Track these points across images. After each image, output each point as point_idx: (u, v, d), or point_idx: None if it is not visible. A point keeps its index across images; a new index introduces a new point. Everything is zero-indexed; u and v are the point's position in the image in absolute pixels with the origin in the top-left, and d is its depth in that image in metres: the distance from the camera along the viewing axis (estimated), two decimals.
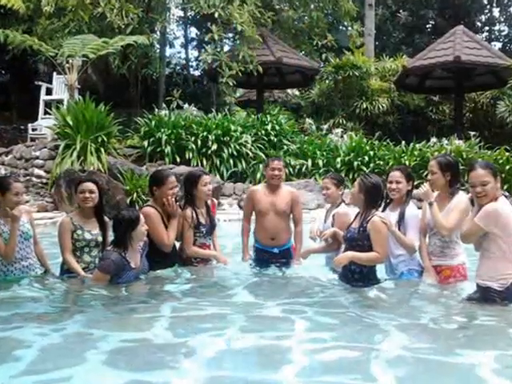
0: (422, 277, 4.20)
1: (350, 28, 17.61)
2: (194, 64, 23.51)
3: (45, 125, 11.62)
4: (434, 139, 12.06)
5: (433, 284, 4.11)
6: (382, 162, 11.13)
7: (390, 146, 11.86)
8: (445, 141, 11.82)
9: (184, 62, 22.80)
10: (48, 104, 12.48)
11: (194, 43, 24.35)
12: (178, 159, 10.68)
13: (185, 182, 4.90)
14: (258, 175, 10.71)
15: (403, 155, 11.26)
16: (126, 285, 4.10)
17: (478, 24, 27.01)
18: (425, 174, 9.06)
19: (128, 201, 9.00)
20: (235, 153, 10.97)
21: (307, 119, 14.67)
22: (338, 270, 4.31)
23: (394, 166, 9.78)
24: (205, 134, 11.04)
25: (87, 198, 4.37)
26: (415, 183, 4.74)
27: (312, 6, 16.35)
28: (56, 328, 3.22)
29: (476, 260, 3.78)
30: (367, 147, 11.53)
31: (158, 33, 16.02)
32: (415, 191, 4.48)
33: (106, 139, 10.10)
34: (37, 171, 10.06)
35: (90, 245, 4.37)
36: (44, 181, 9.94)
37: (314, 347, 2.93)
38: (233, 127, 11.38)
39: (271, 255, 4.97)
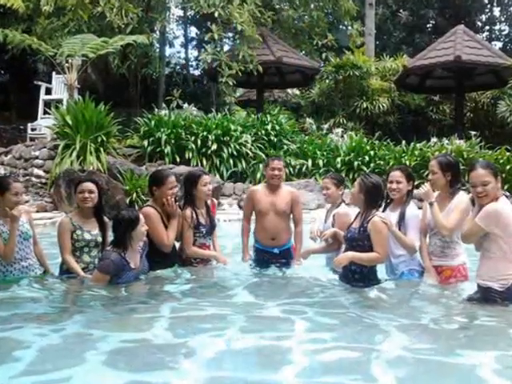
0: (423, 277, 4.19)
1: (350, 27, 17.61)
2: (194, 64, 23.54)
3: (44, 124, 11.62)
4: (434, 139, 12.05)
5: (433, 284, 4.10)
6: (382, 162, 11.12)
7: (390, 145, 11.85)
8: (445, 140, 11.81)
9: (184, 61, 22.82)
10: (47, 104, 12.47)
11: (194, 43, 24.38)
12: (178, 159, 10.68)
13: (185, 182, 4.88)
14: (258, 175, 10.71)
15: (404, 155, 11.25)
16: (125, 285, 4.09)
17: (479, 23, 27.01)
18: (425, 173, 9.06)
19: (127, 201, 8.99)
20: (235, 153, 10.96)
21: (307, 119, 14.68)
22: (339, 270, 4.30)
23: (394, 165, 9.77)
24: (205, 133, 11.03)
25: (87, 198, 4.36)
26: (416, 183, 4.74)
27: (312, 6, 16.35)
28: (55, 328, 3.21)
29: (477, 260, 3.77)
30: (367, 147, 11.53)
31: (157, 32, 16.04)
32: (416, 191, 4.48)
33: (105, 139, 10.09)
34: (36, 171, 10.05)
35: (90, 245, 4.36)
36: (43, 181, 9.93)
37: (314, 348, 2.92)
38: (233, 127, 11.37)
39: (271, 255, 4.96)
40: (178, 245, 4.79)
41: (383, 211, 4.30)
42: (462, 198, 4.04)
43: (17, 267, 4.25)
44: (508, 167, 10.62)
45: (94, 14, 12.93)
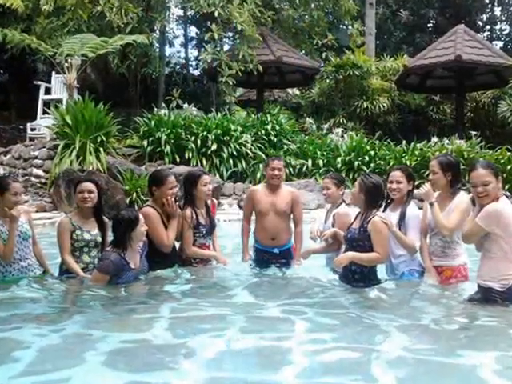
0: (423, 277, 4.18)
1: (350, 27, 17.61)
2: (194, 63, 23.51)
3: (44, 124, 11.60)
4: (434, 139, 12.04)
5: (434, 284, 4.09)
6: (382, 162, 11.11)
7: (390, 145, 11.85)
8: (446, 140, 11.80)
9: (184, 61, 22.80)
10: (47, 103, 12.46)
11: (194, 42, 24.35)
12: (178, 159, 10.67)
13: (184, 182, 4.88)
14: (258, 175, 10.70)
15: (404, 155, 11.24)
16: (125, 285, 4.08)
17: (479, 23, 26.98)
18: (426, 173, 9.05)
19: (127, 201, 8.99)
20: (235, 152, 10.95)
21: (307, 119, 14.67)
22: (339, 270, 4.29)
23: (394, 165, 9.76)
24: (204, 133, 11.02)
25: (86, 198, 4.35)
26: (416, 183, 4.73)
27: (312, 5, 16.33)
28: (55, 329, 3.20)
29: (477, 260, 3.76)
30: (368, 147, 11.52)
31: (157, 32, 16.01)
32: (416, 191, 4.47)
33: (105, 139, 10.08)
34: (35, 171, 10.04)
35: (89, 245, 4.35)
36: (43, 181, 9.92)
37: (314, 348, 2.91)
38: (233, 127, 11.36)
39: (271, 255, 4.95)
40: (177, 245, 4.79)
41: (383, 211, 4.29)
42: (463, 198, 4.03)
43: (16, 267, 4.24)
44: (509, 167, 10.60)
45: (94, 14, 12.92)
